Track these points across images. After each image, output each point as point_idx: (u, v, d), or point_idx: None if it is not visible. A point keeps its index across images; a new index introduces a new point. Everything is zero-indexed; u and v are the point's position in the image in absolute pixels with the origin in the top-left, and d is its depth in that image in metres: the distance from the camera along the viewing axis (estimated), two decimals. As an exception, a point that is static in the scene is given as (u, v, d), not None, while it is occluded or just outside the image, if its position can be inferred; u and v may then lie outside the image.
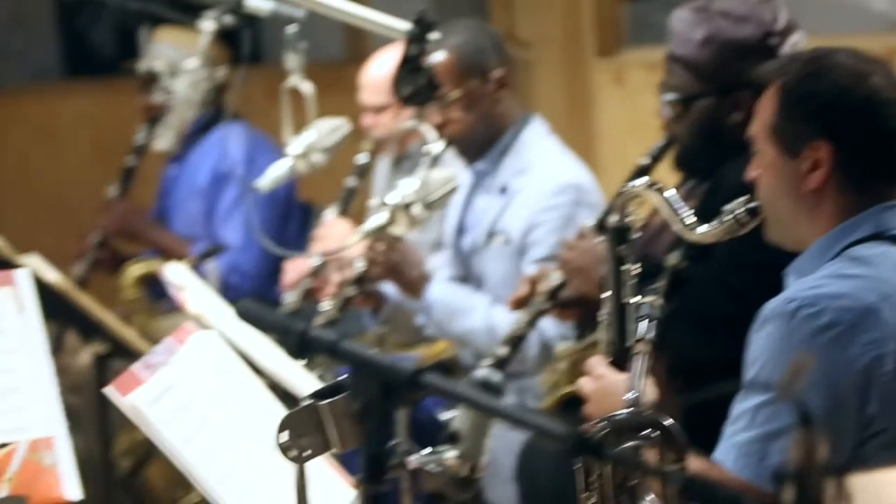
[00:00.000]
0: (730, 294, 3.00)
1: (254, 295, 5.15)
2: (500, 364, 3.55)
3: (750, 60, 3.05)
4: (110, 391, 2.61)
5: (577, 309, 3.39)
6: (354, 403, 1.65)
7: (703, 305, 3.03)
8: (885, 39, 5.48)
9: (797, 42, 3.13)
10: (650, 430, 2.15)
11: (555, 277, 3.37)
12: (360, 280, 4.09)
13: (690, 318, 3.04)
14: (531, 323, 3.49)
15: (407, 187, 3.12)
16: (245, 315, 1.80)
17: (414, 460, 2.82)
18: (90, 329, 3.25)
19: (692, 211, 3.09)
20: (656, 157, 3.28)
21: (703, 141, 3.20)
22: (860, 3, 5.93)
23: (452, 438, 2.61)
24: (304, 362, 3.59)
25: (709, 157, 3.20)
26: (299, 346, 1.73)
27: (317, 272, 4.52)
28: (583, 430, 1.72)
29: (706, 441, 2.50)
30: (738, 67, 3.09)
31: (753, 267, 2.92)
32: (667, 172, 3.34)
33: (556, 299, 3.38)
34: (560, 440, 1.58)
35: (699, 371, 3.07)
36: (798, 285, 2.49)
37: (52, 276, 3.76)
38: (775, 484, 1.48)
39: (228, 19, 3.93)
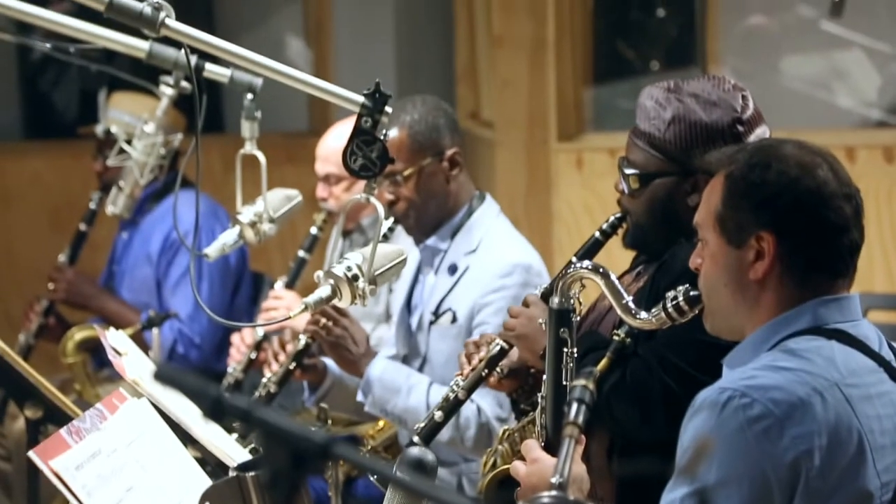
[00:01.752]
0: (670, 370, 2.98)
1: (200, 365, 5.12)
2: (434, 430, 3.49)
3: (716, 145, 3.04)
4: (34, 456, 2.57)
5: (515, 379, 3.35)
6: (265, 472, 1.61)
7: (644, 380, 3.01)
8: (848, 136, 5.52)
9: (762, 134, 3.13)
10: (575, 515, 2.11)
11: (496, 345, 3.33)
12: (302, 354, 4.05)
13: (631, 394, 3.02)
14: (470, 389, 3.43)
15: (353, 260, 3.08)
16: (162, 378, 1.76)
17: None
18: (25, 394, 3.18)
19: (639, 290, 3.08)
20: (609, 233, 3.26)
21: (656, 220, 3.18)
22: (827, 99, 5.98)
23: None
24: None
25: (661, 238, 3.18)
26: (213, 411, 1.69)
27: (260, 343, 4.49)
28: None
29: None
30: (702, 150, 3.08)
31: (695, 344, 2.90)
32: (620, 249, 3.32)
33: (496, 367, 3.34)
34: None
35: (639, 448, 3.04)
36: (732, 375, 2.47)
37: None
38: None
39: (186, 85, 3.91)
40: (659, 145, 3.13)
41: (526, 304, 3.29)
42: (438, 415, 3.48)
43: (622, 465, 3.10)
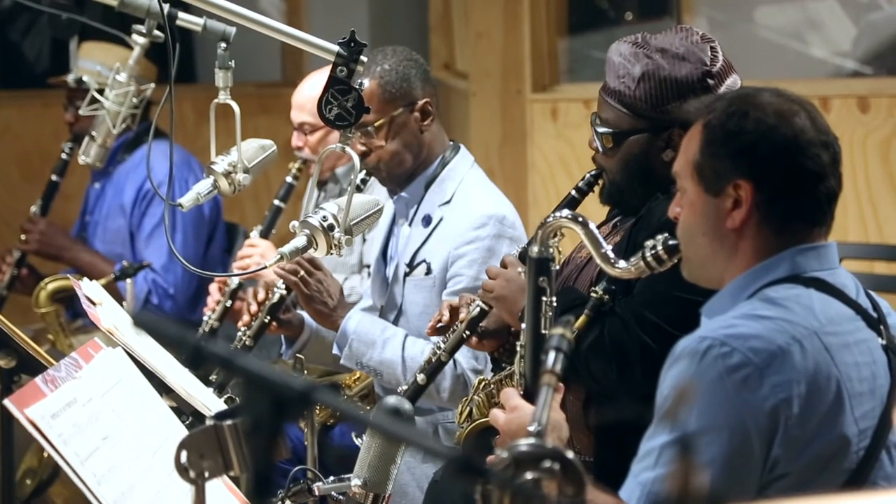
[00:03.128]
0: (647, 328, 2.98)
1: (174, 315, 5.11)
2: (418, 391, 3.52)
3: (686, 99, 3.04)
4: (9, 404, 2.55)
5: (496, 339, 3.36)
6: (246, 419, 1.60)
7: (621, 338, 3.01)
8: (822, 85, 5.52)
9: (733, 84, 3.12)
10: (551, 462, 2.11)
11: (475, 306, 3.34)
12: (277, 307, 4.04)
13: (609, 353, 3.02)
14: (451, 351, 3.46)
15: (329, 210, 3.07)
16: (142, 325, 1.76)
17: (319, 487, 2.80)
18: (-2, 343, 3.16)
19: (617, 244, 3.08)
20: (585, 190, 3.26)
21: (632, 177, 3.17)
22: (801, 49, 5.97)
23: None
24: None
25: (637, 194, 3.18)
26: (193, 358, 1.69)
27: (236, 292, 4.47)
28: (467, 452, 1.68)
29: (619, 473, 2.47)
30: (673, 106, 3.08)
31: (672, 301, 2.91)
32: (596, 205, 3.31)
33: (476, 328, 3.35)
34: (443, 460, 1.56)
35: (615, 404, 3.05)
36: (711, 324, 2.47)
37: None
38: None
39: (159, 34, 3.87)
40: (630, 103, 3.12)
41: (504, 264, 3.29)
42: (421, 377, 3.51)
43: (598, 414, 3.11)
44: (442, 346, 3.46)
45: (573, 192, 3.27)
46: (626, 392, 3.02)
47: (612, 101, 3.15)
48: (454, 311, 3.43)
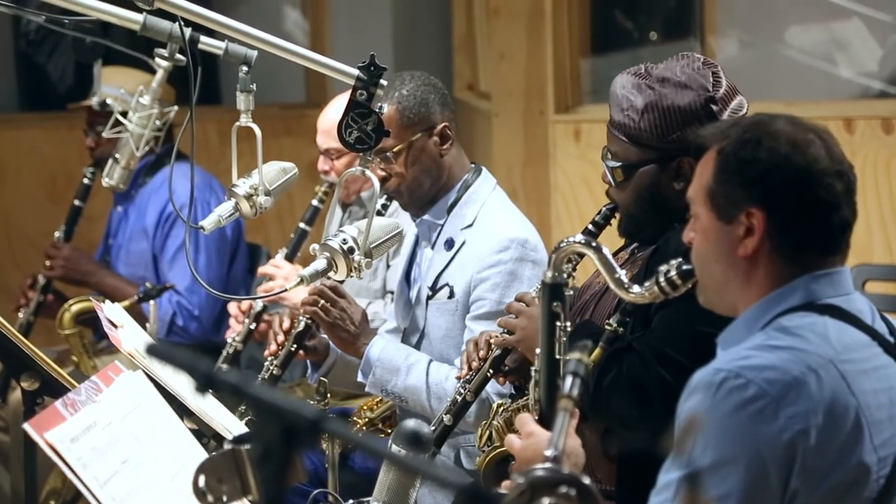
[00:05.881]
0: (666, 364, 2.98)
1: (200, 336, 5.13)
2: (445, 432, 3.53)
3: (691, 127, 3.05)
4: (29, 428, 2.57)
5: (520, 374, 3.38)
6: (256, 447, 1.62)
7: (640, 375, 3.01)
8: (846, 107, 5.51)
9: (738, 106, 3.13)
10: (567, 487, 2.11)
11: (497, 348, 3.36)
12: (303, 335, 4.05)
13: (629, 390, 3.02)
14: (477, 391, 3.48)
15: (349, 233, 3.09)
16: (154, 353, 1.77)
17: (339, 511, 2.81)
18: (21, 365, 3.18)
19: (634, 276, 3.09)
20: (602, 224, 3.26)
21: (645, 208, 3.18)
22: (827, 70, 5.96)
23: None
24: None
25: (653, 224, 3.19)
26: (204, 385, 1.70)
27: (260, 315, 4.49)
28: (477, 481, 1.69)
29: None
30: (679, 134, 3.09)
31: (691, 336, 2.90)
32: (614, 234, 3.32)
33: (499, 367, 3.38)
34: (453, 490, 1.57)
35: (636, 434, 3.05)
36: (726, 356, 2.46)
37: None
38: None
39: (181, 58, 3.90)
40: (635, 136, 3.13)
41: (519, 299, 3.30)
42: (447, 418, 3.53)
43: (620, 444, 3.10)
44: (467, 386, 3.48)
45: (590, 227, 3.27)
46: (648, 429, 3.01)
47: (619, 135, 3.16)
48: (485, 349, 3.44)
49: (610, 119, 3.19)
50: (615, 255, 3.26)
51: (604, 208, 3.28)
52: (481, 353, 3.41)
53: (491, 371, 3.39)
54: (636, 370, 3.01)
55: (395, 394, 3.89)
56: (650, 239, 3.20)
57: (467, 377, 3.46)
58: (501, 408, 3.30)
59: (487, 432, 3.28)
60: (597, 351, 3.01)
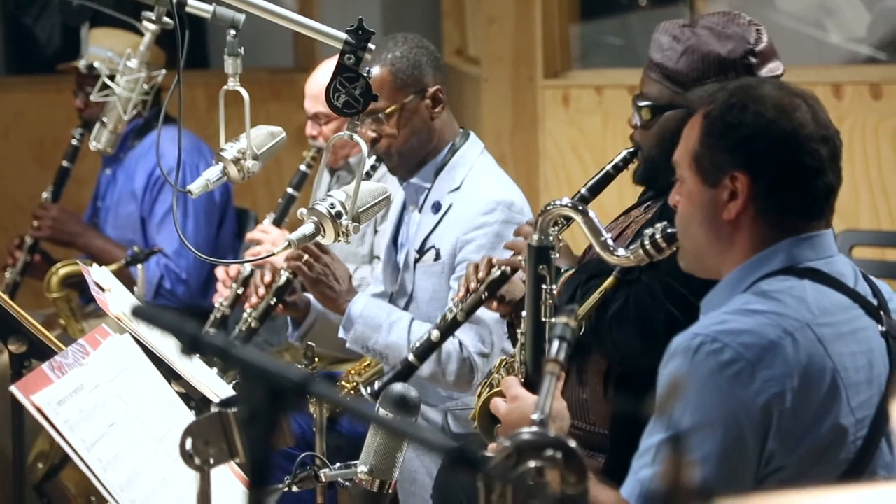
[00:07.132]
0: (674, 299, 2.97)
1: (187, 300, 5.13)
2: (430, 348, 3.50)
3: (728, 76, 3.03)
4: (16, 390, 2.57)
5: (511, 307, 3.36)
6: (243, 409, 1.62)
7: (647, 306, 3.00)
8: (835, 72, 5.50)
9: (775, 69, 3.12)
10: (553, 451, 2.12)
11: (497, 270, 3.34)
12: (283, 289, 4.06)
13: (634, 320, 3.01)
14: (469, 311, 3.44)
15: (337, 197, 3.09)
16: (139, 315, 1.77)
17: (326, 474, 2.81)
18: (8, 328, 3.18)
19: (648, 221, 3.08)
20: (621, 166, 3.24)
21: (667, 152, 3.16)
22: (816, 35, 5.96)
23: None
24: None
25: (669, 172, 3.18)
26: (190, 348, 1.70)
27: (247, 279, 4.50)
28: (463, 444, 1.69)
29: (633, 452, 2.47)
30: (714, 81, 3.07)
31: None
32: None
33: (495, 292, 3.35)
34: (439, 453, 1.57)
35: (634, 379, 3.04)
36: (704, 321, 2.48)
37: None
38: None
39: (169, 21, 3.89)
40: (671, 75, 3.11)
41: (524, 235, 3.27)
42: (435, 334, 3.51)
43: (617, 398, 3.10)
44: (461, 304, 3.46)
45: (608, 168, 3.25)
46: (648, 362, 3.00)
47: (654, 75, 3.14)
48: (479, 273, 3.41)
49: (647, 63, 3.17)
50: (627, 212, 3.26)
51: (624, 151, 3.24)
52: (481, 274, 3.39)
53: (486, 294, 3.37)
54: (644, 301, 3.01)
55: (376, 351, 3.91)
56: (664, 188, 3.18)
57: (461, 299, 3.45)
58: (503, 362, 3.27)
59: (487, 389, 3.24)
60: (610, 279, 3.00)
